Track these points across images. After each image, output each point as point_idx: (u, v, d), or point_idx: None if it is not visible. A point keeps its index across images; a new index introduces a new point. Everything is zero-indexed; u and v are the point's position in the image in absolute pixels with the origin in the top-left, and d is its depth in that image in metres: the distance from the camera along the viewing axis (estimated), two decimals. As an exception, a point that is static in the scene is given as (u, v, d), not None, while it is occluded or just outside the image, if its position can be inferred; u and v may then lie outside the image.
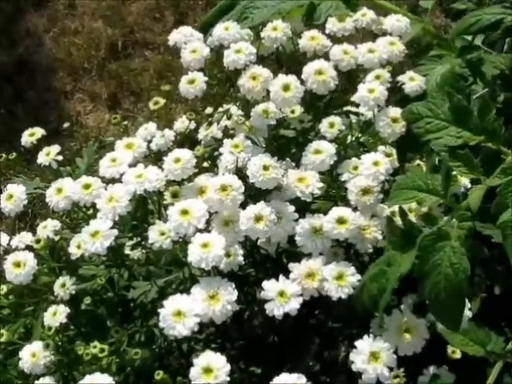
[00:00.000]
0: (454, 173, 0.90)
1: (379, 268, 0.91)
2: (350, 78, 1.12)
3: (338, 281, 0.94)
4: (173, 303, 0.94)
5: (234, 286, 0.94)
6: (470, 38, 1.13)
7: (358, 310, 0.93)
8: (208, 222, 1.00)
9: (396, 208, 0.97)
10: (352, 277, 0.94)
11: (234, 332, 1.17)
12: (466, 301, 0.94)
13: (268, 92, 1.03)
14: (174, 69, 2.23)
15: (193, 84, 1.06)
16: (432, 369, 1.08)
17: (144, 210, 1.13)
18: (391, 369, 0.94)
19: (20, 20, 2.45)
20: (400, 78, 1.07)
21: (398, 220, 0.93)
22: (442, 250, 0.84)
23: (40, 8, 2.48)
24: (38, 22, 2.45)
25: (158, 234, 1.02)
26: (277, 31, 1.09)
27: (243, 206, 1.01)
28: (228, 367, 0.89)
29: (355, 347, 0.91)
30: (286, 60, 1.16)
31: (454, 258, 0.83)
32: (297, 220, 1.00)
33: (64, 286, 1.11)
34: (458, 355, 1.08)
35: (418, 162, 1.12)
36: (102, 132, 2.21)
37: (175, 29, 1.17)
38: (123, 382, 1.14)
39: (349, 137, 1.13)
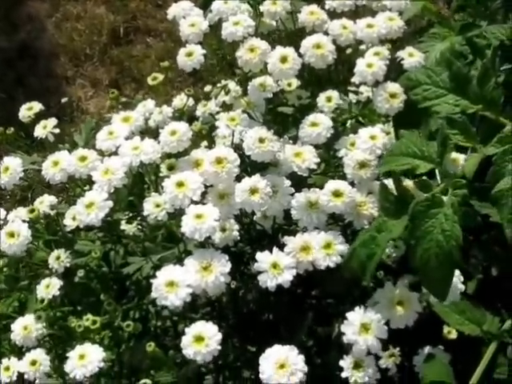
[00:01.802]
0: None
1: (369, 234, 0.90)
2: (351, 58, 1.12)
3: (326, 249, 0.94)
4: (165, 273, 0.93)
5: (227, 257, 0.94)
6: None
7: (346, 277, 0.92)
8: (204, 195, 0.99)
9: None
10: (340, 245, 0.94)
11: (229, 310, 1.16)
12: (460, 275, 0.94)
13: (266, 65, 1.03)
14: (176, 55, 2.22)
15: (191, 56, 1.06)
16: (427, 349, 1.08)
17: (141, 186, 1.13)
18: (384, 342, 0.93)
19: (22, 5, 2.45)
20: (399, 53, 1.07)
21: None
22: (435, 217, 0.84)
23: (42, -7, 2.49)
24: (40, 7, 2.45)
25: (154, 206, 1.01)
26: (276, 5, 1.09)
27: (240, 180, 1.00)
28: (219, 336, 0.89)
29: (347, 318, 0.91)
30: (286, 38, 1.15)
31: (446, 225, 0.82)
32: (293, 194, 0.99)
33: (59, 258, 1.11)
34: (453, 335, 1.07)
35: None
36: (103, 118, 2.20)
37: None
38: (117, 359, 1.14)
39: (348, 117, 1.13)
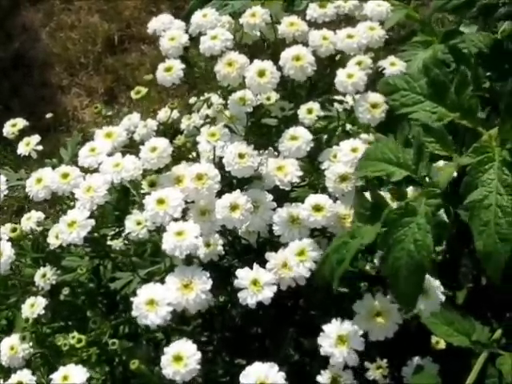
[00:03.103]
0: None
1: (342, 240, 0.89)
2: (335, 65, 1.10)
3: (300, 256, 0.93)
4: (146, 292, 0.93)
5: (208, 275, 0.93)
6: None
7: (318, 283, 0.91)
8: (185, 211, 0.99)
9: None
10: (313, 252, 0.93)
11: (218, 323, 1.16)
12: (440, 285, 0.93)
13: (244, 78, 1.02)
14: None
15: (169, 72, 1.05)
16: (416, 360, 1.07)
17: (126, 200, 1.12)
18: (372, 354, 0.92)
19: (16, 15, 2.45)
20: (381, 63, 1.06)
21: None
22: (407, 226, 0.83)
23: (36, 3, 2.48)
24: (34, 16, 2.45)
25: (135, 224, 1.01)
26: (255, 17, 1.08)
27: (224, 194, 0.99)
28: (198, 355, 0.88)
29: (323, 331, 0.90)
30: (268, 48, 1.14)
31: (418, 235, 0.81)
32: (275, 209, 0.98)
33: (45, 276, 1.11)
34: (442, 345, 1.07)
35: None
36: (99, 127, 2.19)
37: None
38: (109, 373, 1.14)
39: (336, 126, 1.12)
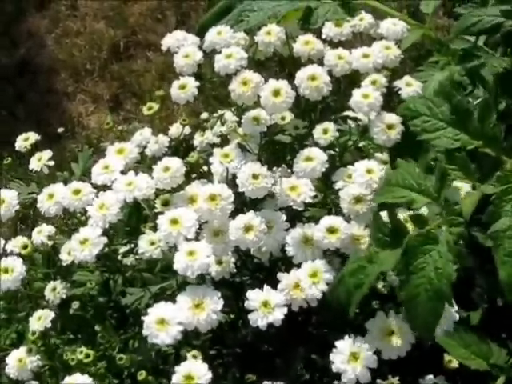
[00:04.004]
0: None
1: (358, 264, 0.88)
2: (351, 81, 1.10)
3: (312, 278, 0.92)
4: (157, 311, 0.92)
5: (219, 294, 0.93)
6: (471, 38, 1.10)
7: (332, 305, 0.91)
8: (198, 231, 0.98)
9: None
10: (326, 273, 0.93)
11: (228, 339, 1.15)
12: (450, 307, 0.92)
13: (259, 97, 1.01)
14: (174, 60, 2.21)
15: (184, 89, 1.05)
16: (429, 378, 1.06)
17: (138, 217, 1.12)
18: (384, 377, 0.92)
19: (22, 21, 2.44)
20: (397, 83, 1.05)
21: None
22: (428, 254, 0.82)
23: (42, 9, 2.47)
24: (39, 23, 2.44)
25: (148, 244, 1.01)
26: (271, 35, 1.08)
27: (238, 212, 0.99)
28: (209, 375, 0.88)
29: (336, 347, 0.90)
30: (286, 63, 1.14)
31: (440, 263, 0.81)
32: (288, 229, 0.98)
33: (55, 290, 1.11)
34: (455, 365, 1.06)
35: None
36: (104, 134, 2.19)
37: (177, 30, 1.16)
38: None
39: (348, 142, 1.11)
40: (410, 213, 0.97)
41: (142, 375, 0.96)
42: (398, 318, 0.93)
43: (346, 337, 0.90)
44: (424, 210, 0.93)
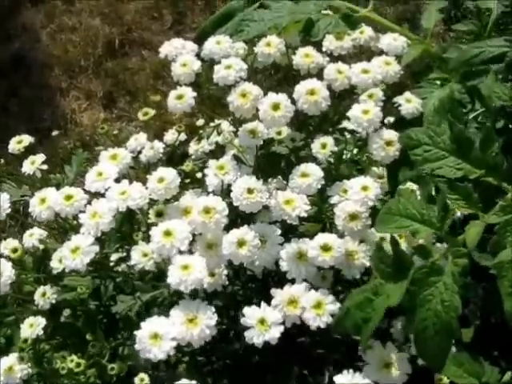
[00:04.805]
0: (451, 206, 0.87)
1: (364, 296, 0.87)
2: (349, 93, 1.09)
3: (317, 309, 0.92)
4: (150, 326, 0.92)
5: (213, 310, 0.92)
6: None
7: (338, 337, 0.90)
8: (191, 243, 0.97)
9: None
10: (331, 305, 0.92)
11: (219, 350, 1.15)
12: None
13: (257, 110, 1.00)
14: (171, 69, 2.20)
15: (181, 100, 1.03)
16: (419, 396, 1.06)
17: (130, 224, 1.11)
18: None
19: (16, 15, 2.42)
20: (396, 99, 1.04)
21: (387, 245, 0.90)
22: (434, 286, 0.81)
23: (37, 3, 2.45)
24: (34, 17, 2.42)
25: (141, 256, 1.00)
26: (270, 47, 1.07)
27: (233, 223, 0.98)
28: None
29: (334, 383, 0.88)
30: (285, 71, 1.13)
31: (446, 296, 0.80)
32: (283, 243, 0.97)
33: (44, 295, 1.09)
34: (445, 382, 1.05)
35: (409, 184, 1.08)
36: (97, 131, 2.18)
37: (173, 28, 1.14)
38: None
39: (345, 154, 1.11)
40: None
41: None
42: (394, 349, 0.93)
43: (345, 371, 0.89)
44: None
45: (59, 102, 2.26)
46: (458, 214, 1.00)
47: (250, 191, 0.96)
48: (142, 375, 0.95)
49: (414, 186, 1.07)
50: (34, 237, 1.18)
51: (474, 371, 1.01)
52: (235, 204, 0.96)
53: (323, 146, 1.04)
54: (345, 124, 1.13)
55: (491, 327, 1.12)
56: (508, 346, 1.07)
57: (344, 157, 1.09)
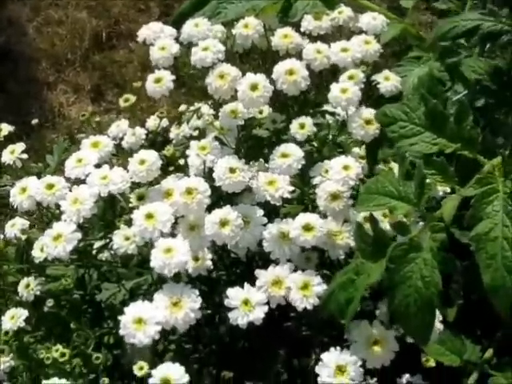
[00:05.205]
0: (428, 181, 0.86)
1: (347, 276, 0.87)
2: (332, 76, 1.09)
3: (303, 291, 0.91)
4: (134, 310, 0.90)
5: (197, 293, 0.91)
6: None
7: (324, 319, 0.90)
8: (174, 226, 0.97)
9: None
10: (318, 286, 0.91)
11: (205, 336, 1.14)
12: (438, 313, 0.92)
13: (236, 91, 1.00)
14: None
15: (159, 83, 1.03)
16: (406, 377, 1.06)
17: (112, 211, 1.10)
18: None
19: (2, 8, 2.41)
20: (375, 77, 1.04)
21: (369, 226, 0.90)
22: (414, 262, 0.81)
23: (23, -4, 2.45)
24: (20, 10, 2.41)
25: (123, 239, 0.99)
26: (248, 28, 1.06)
27: (214, 206, 0.97)
28: (186, 378, 0.86)
29: (322, 360, 0.88)
30: (264, 56, 1.12)
31: (426, 271, 0.80)
32: (266, 224, 0.97)
33: (28, 286, 1.09)
34: (432, 363, 1.05)
35: (391, 164, 1.08)
36: (85, 124, 2.16)
37: (160, 20, 1.14)
38: (94, 382, 1.12)
39: (327, 136, 1.10)
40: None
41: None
42: (381, 327, 0.93)
43: (332, 348, 0.89)
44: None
45: (47, 96, 2.25)
46: (440, 193, 1.00)
47: (232, 170, 0.96)
48: (141, 363, 0.93)
49: (394, 165, 1.07)
50: (15, 227, 1.16)
51: (456, 349, 1.02)
52: (218, 184, 0.96)
53: (301, 126, 1.04)
54: (326, 107, 1.13)
55: (473, 306, 1.13)
56: (489, 324, 1.07)
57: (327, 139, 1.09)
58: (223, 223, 0.94)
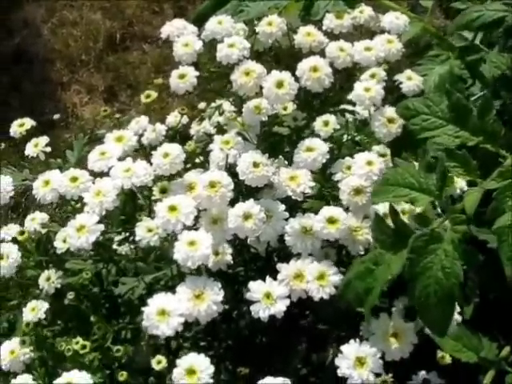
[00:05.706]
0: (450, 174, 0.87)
1: (365, 266, 0.88)
2: (348, 76, 1.10)
3: (320, 281, 0.92)
4: (157, 302, 0.92)
5: (220, 285, 0.92)
6: (469, 35, 1.10)
7: (341, 308, 0.90)
8: (196, 219, 0.97)
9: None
10: (334, 276, 0.92)
11: (221, 332, 1.15)
12: (457, 305, 0.92)
13: (261, 88, 1.01)
14: (172, 62, 2.19)
15: (183, 79, 1.04)
16: (421, 374, 1.06)
17: (133, 205, 1.11)
18: (378, 374, 0.92)
19: (18, 10, 2.43)
20: (397, 76, 1.05)
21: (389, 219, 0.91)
22: (434, 253, 0.81)
23: (38, -2, 2.46)
24: (36, 12, 2.43)
25: (146, 231, 1.00)
26: (272, 26, 1.07)
27: (235, 202, 0.98)
28: (211, 369, 0.87)
29: (341, 352, 0.89)
30: (283, 56, 1.13)
31: (446, 262, 0.80)
32: (287, 219, 0.97)
33: (49, 279, 1.09)
34: (447, 360, 1.06)
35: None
36: (98, 124, 2.18)
37: (174, 22, 1.14)
38: (109, 377, 1.13)
39: (344, 136, 1.11)
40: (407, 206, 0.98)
41: (122, 376, 0.97)
42: (400, 319, 0.94)
43: (352, 341, 0.90)
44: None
45: (60, 96, 2.26)
46: (458, 191, 1.01)
47: (255, 165, 0.97)
48: (159, 357, 0.94)
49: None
50: (35, 221, 1.17)
51: (473, 346, 1.02)
52: (241, 178, 0.97)
53: (326, 123, 1.05)
54: (344, 106, 1.14)
55: (490, 304, 1.13)
56: (506, 322, 1.08)
57: (344, 139, 1.10)
58: (246, 217, 0.95)
